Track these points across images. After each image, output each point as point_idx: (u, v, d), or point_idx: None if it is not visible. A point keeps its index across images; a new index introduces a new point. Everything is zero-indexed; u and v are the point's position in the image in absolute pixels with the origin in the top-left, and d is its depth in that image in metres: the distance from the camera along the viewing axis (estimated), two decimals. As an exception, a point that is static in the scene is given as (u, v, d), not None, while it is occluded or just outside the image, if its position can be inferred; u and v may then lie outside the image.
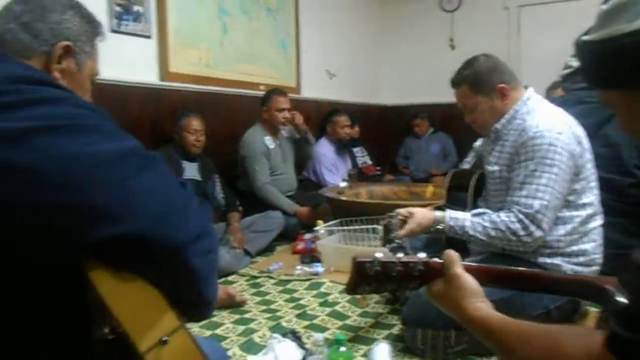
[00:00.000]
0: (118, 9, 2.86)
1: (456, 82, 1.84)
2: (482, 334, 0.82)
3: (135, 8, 2.96)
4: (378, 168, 5.00)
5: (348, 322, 2.11)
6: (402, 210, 1.82)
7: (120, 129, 0.76)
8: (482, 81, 1.77)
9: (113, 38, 2.83)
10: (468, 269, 0.89)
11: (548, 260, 1.73)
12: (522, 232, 1.66)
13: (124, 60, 2.92)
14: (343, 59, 5.16)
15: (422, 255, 0.91)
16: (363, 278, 0.86)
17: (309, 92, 4.60)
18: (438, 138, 5.29)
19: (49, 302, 0.71)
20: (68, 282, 0.68)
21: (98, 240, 0.64)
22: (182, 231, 0.70)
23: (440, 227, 1.78)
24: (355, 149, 4.80)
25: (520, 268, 0.97)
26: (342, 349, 1.50)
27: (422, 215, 1.79)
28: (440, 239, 2.05)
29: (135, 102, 3.02)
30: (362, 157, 4.89)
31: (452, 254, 0.90)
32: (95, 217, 0.64)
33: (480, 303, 0.85)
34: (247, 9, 3.84)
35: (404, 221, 1.79)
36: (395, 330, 2.00)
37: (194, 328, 2.06)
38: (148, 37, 3.07)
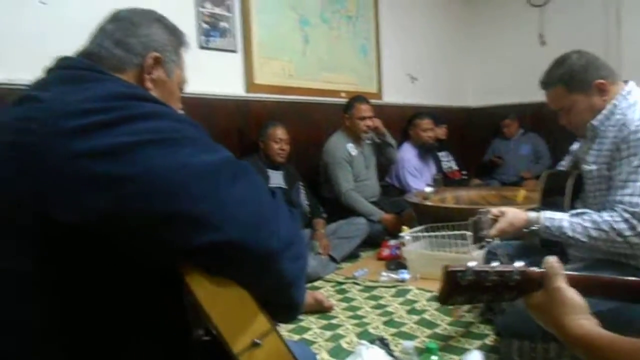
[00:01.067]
0: (206, 26, 3.01)
1: (548, 84, 1.72)
2: (585, 353, 0.75)
3: (222, 24, 3.10)
4: (464, 172, 4.83)
5: (437, 330, 2.05)
6: (494, 209, 1.75)
7: (216, 143, 0.79)
8: (578, 79, 1.65)
9: (201, 54, 2.99)
10: (571, 280, 0.83)
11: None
12: (628, 233, 1.51)
13: (212, 74, 3.07)
14: (425, 62, 5.07)
15: (519, 263, 0.85)
16: (455, 288, 0.81)
17: (390, 97, 4.56)
18: (529, 139, 5.00)
19: (152, 306, 0.75)
20: (168, 287, 0.72)
21: (196, 247, 0.66)
22: (274, 238, 0.71)
23: (535, 228, 1.67)
24: (440, 154, 4.66)
25: (629, 278, 0.88)
26: (434, 357, 1.45)
27: (514, 214, 1.70)
28: (534, 245, 1.93)
29: (223, 114, 3.16)
30: (448, 161, 4.74)
31: (554, 264, 0.84)
32: (194, 226, 0.66)
33: (583, 320, 0.78)
34: (327, 18, 3.90)
35: (494, 220, 1.71)
36: (488, 341, 1.91)
37: (284, 332, 2.10)
38: (234, 51, 3.21)
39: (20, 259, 0.68)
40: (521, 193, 3.31)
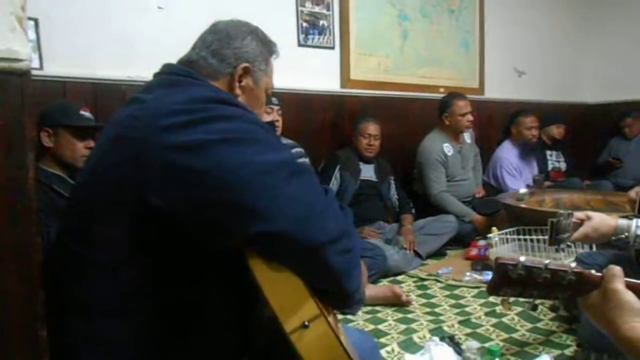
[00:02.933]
0: (305, 24, 3.16)
1: None
2: (634, 355, 0.75)
3: (321, 22, 3.23)
4: (577, 174, 4.49)
5: (515, 335, 2.00)
6: (579, 213, 1.64)
7: (280, 142, 0.90)
8: None
9: (300, 51, 3.15)
10: (632, 287, 0.82)
11: None
12: None
13: (309, 70, 3.22)
14: (534, 55, 4.79)
15: (573, 264, 0.86)
16: (505, 280, 0.84)
17: (493, 92, 4.40)
18: (652, 139, 4.53)
19: (224, 281, 0.87)
20: (235, 270, 0.83)
21: (251, 235, 0.77)
22: (322, 232, 0.80)
23: (623, 237, 1.56)
24: (550, 153, 4.39)
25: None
26: (496, 360, 1.45)
27: (601, 220, 1.59)
28: (629, 257, 1.80)
29: (319, 109, 3.30)
30: (557, 162, 4.43)
31: (616, 268, 0.84)
32: (251, 216, 0.77)
33: (637, 323, 0.77)
34: (428, 12, 3.86)
35: (578, 224, 1.62)
36: (568, 352, 1.84)
37: (359, 321, 2.19)
38: (331, 48, 3.33)
39: (119, 232, 0.83)
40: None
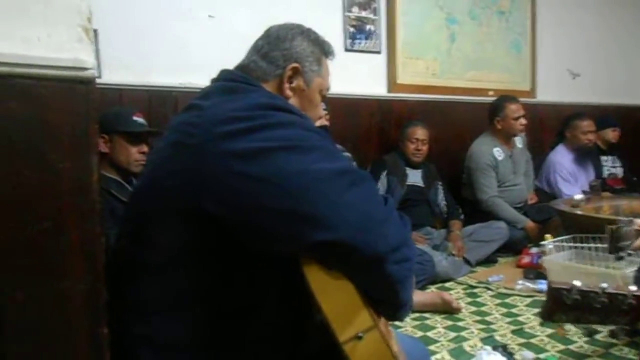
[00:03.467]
0: (352, 29, 3.17)
1: None
2: None
3: (368, 27, 3.23)
4: (635, 178, 4.27)
5: (572, 347, 1.92)
6: None
7: (337, 149, 0.89)
8: None
9: (347, 56, 3.16)
10: None
11: None
12: None
13: (356, 75, 3.22)
14: (589, 56, 4.59)
15: (633, 287, 0.81)
16: (559, 306, 0.81)
17: (545, 95, 4.26)
18: None
19: (277, 287, 0.87)
20: (290, 276, 0.82)
21: (310, 244, 0.77)
22: (382, 242, 0.78)
23: None
24: (605, 158, 4.20)
25: None
26: (553, 372, 1.39)
27: None
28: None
29: (365, 113, 3.29)
30: (613, 167, 4.22)
31: None
32: (310, 225, 0.76)
33: None
34: (477, 14, 3.79)
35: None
36: (630, 366, 1.75)
37: (407, 327, 2.16)
38: (378, 52, 3.32)
39: (175, 237, 0.85)
40: (698, 207, 2.86)
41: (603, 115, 4.19)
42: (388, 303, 0.86)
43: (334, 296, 0.79)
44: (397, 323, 2.18)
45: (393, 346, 0.84)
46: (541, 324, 2.13)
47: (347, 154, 2.84)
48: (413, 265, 0.86)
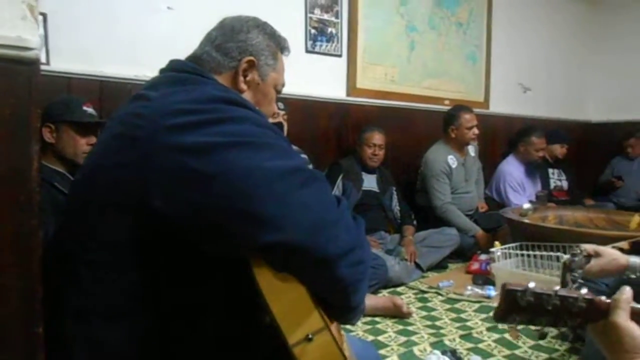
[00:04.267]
0: (314, 31, 3.16)
1: None
2: None
3: (329, 30, 3.23)
4: (579, 191, 4.48)
5: (517, 352, 1.97)
6: (588, 247, 1.54)
7: (291, 147, 0.86)
8: None
9: (307, 57, 3.14)
10: (633, 312, 0.80)
11: None
12: None
13: (316, 77, 3.21)
14: (540, 71, 4.79)
15: (584, 291, 0.83)
16: (513, 307, 0.81)
17: (498, 107, 4.40)
18: (654, 160, 4.53)
19: (224, 289, 0.83)
20: (239, 275, 0.79)
21: (261, 244, 0.73)
22: (332, 244, 0.76)
23: (633, 277, 1.46)
24: (551, 170, 4.37)
25: None
26: (499, 376, 1.42)
27: (609, 260, 1.50)
28: (636, 282, 1.75)
29: (324, 116, 3.28)
30: (559, 180, 4.40)
31: (622, 296, 0.81)
32: (261, 224, 0.73)
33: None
34: (436, 24, 3.86)
35: (589, 257, 1.53)
36: (571, 371, 1.81)
37: (359, 331, 2.15)
38: (339, 55, 3.32)
39: (118, 233, 0.79)
40: (635, 219, 3.02)
41: (553, 131, 4.37)
42: (340, 306, 0.84)
43: (284, 297, 0.77)
44: (348, 327, 2.18)
45: (344, 349, 0.82)
46: (488, 329, 2.17)
47: (304, 156, 2.82)
48: (367, 268, 0.84)
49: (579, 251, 1.53)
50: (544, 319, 0.82)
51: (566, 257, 1.53)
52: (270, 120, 1.08)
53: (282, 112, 2.62)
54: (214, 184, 0.73)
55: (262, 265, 0.76)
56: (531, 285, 0.81)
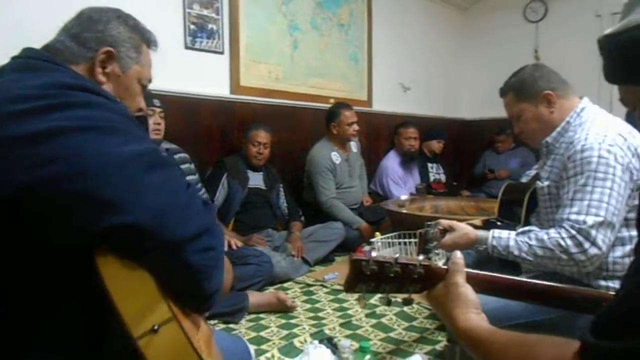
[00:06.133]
0: (193, 27, 3.08)
1: (503, 91, 1.78)
2: (468, 345, 0.80)
3: (210, 26, 3.17)
4: (455, 184, 4.84)
5: (392, 334, 2.08)
6: (444, 222, 1.74)
7: (144, 134, 0.84)
8: (526, 88, 1.68)
9: (187, 54, 3.06)
10: (473, 277, 0.87)
11: (603, 283, 1.58)
12: (574, 250, 1.51)
13: (197, 74, 3.13)
14: (418, 72, 5.11)
15: (421, 257, 0.89)
16: (359, 276, 0.85)
17: (380, 105, 4.60)
18: (518, 153, 5.01)
19: (64, 283, 0.78)
20: (83, 265, 0.74)
21: (104, 228, 0.70)
22: (180, 227, 0.75)
23: (482, 248, 1.67)
24: (430, 165, 4.68)
25: (522, 278, 0.92)
26: (367, 357, 1.49)
27: (461, 234, 1.67)
28: (492, 257, 1.94)
29: (207, 113, 3.22)
30: (438, 174, 4.74)
31: (458, 261, 0.88)
32: (106, 206, 0.70)
33: (472, 314, 0.82)
34: (318, 24, 3.95)
35: (444, 232, 1.72)
36: (439, 347, 1.94)
37: (242, 329, 2.14)
38: (221, 53, 3.27)
39: None
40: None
41: (431, 128, 4.68)
42: (192, 295, 0.82)
43: (129, 289, 0.74)
44: (231, 325, 2.16)
45: (195, 340, 0.81)
46: (367, 316, 2.27)
47: (185, 155, 2.75)
48: (220, 255, 0.84)
49: (433, 224, 1.69)
50: (388, 286, 0.87)
51: (422, 229, 1.68)
52: (136, 115, 1.05)
53: (158, 110, 2.52)
54: (57, 168, 0.70)
55: (106, 257, 0.73)
56: (374, 254, 0.85)
